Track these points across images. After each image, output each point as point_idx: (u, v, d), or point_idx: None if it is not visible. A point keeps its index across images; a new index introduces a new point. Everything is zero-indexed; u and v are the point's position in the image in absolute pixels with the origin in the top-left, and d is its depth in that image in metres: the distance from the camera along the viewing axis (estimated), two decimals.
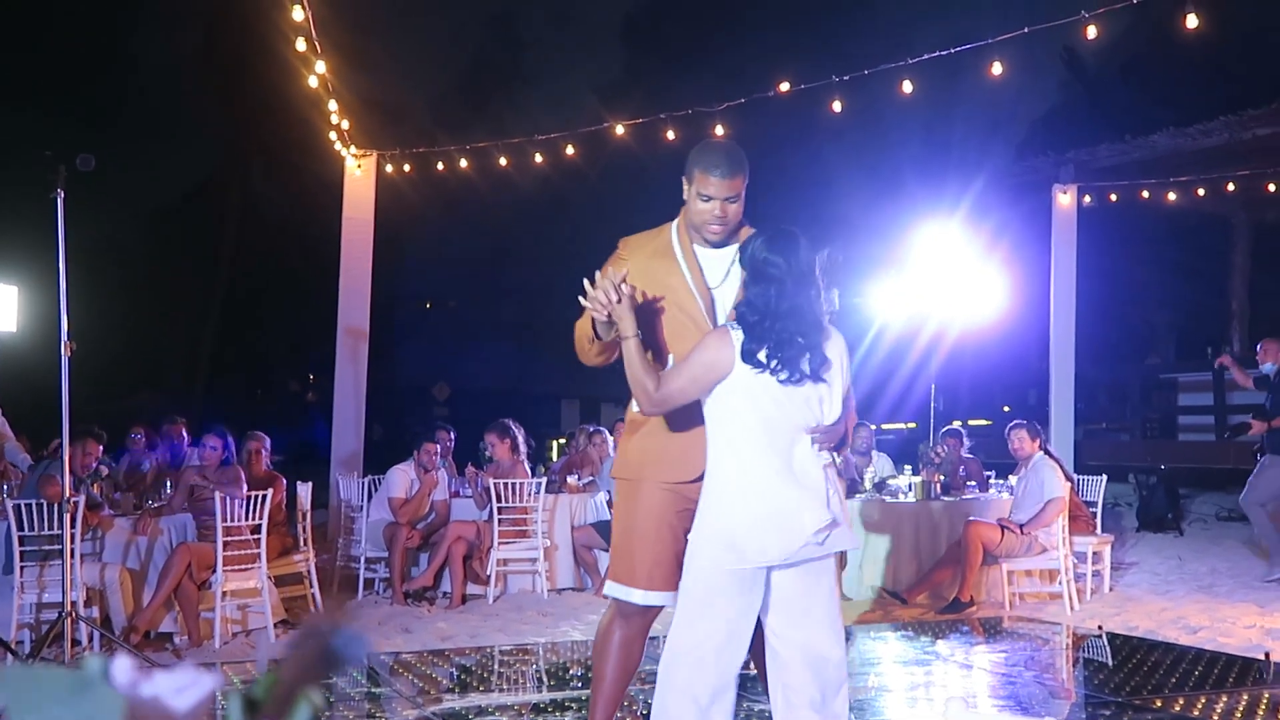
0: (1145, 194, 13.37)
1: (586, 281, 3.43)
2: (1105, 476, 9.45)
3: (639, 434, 3.68)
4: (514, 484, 8.51)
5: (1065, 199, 12.73)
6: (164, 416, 10.54)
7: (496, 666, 6.52)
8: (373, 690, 5.74)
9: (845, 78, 9.55)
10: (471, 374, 25.23)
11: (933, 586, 8.35)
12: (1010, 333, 14.40)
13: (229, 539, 6.97)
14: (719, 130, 10.04)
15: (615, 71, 27.92)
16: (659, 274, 3.64)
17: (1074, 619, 7.73)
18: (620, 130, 10.43)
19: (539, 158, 11.06)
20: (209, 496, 7.21)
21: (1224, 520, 12.98)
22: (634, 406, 3.69)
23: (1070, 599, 8.01)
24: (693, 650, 3.34)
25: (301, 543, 8.12)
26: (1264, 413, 9.30)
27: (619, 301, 3.38)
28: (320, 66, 9.65)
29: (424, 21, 25.31)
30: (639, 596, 3.57)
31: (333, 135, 10.76)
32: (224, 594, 6.99)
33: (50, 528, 6.47)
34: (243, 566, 7.08)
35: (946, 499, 8.94)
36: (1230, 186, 13.21)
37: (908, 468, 9.99)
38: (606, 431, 10.30)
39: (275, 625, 7.24)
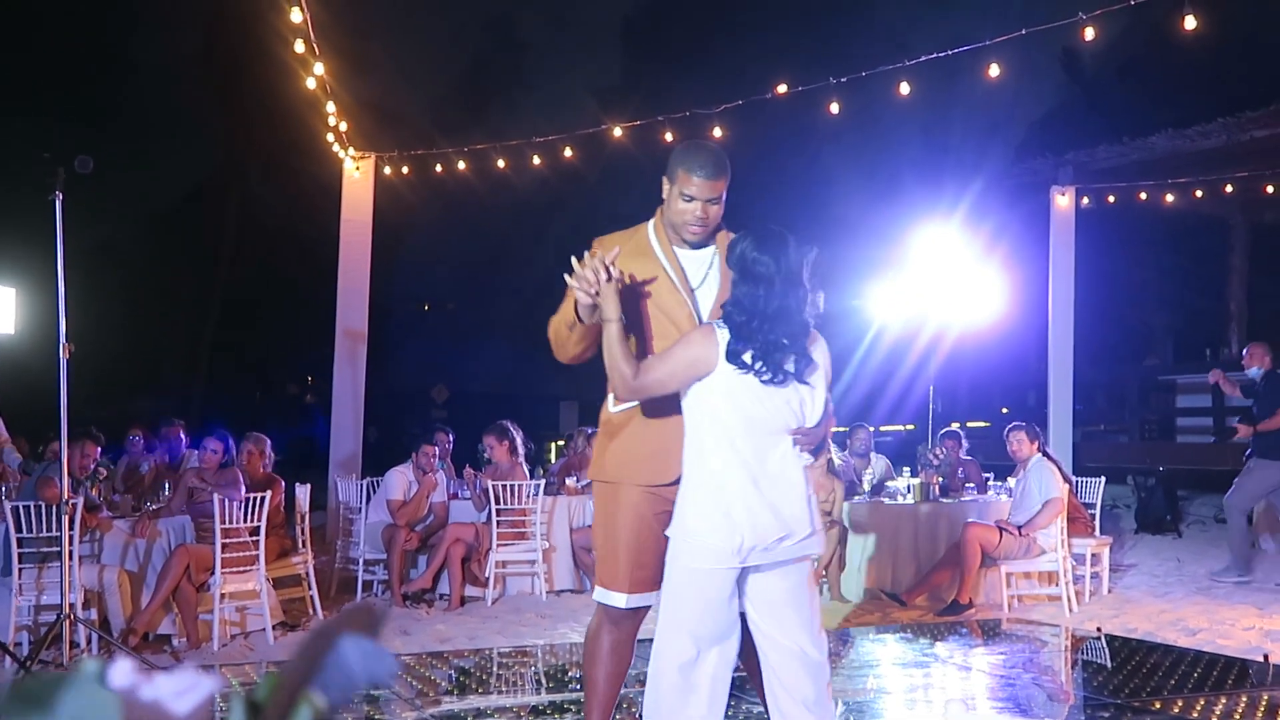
0: (1143, 195, 13.38)
1: (575, 259, 3.41)
2: (1104, 478, 9.46)
3: (618, 437, 3.66)
4: (512, 486, 8.50)
5: (1063, 200, 12.74)
6: (162, 418, 10.54)
7: (495, 668, 6.52)
8: (371, 692, 5.74)
9: (843, 80, 9.55)
10: (470, 376, 25.22)
11: (931, 588, 8.35)
12: (1009, 334, 14.41)
13: (227, 541, 6.97)
14: (717, 132, 10.04)
15: (613, 74, 27.94)
16: (639, 274, 3.62)
17: (1072, 621, 7.73)
18: (618, 132, 10.43)
19: (537, 160, 11.07)
20: (207, 498, 7.21)
21: (1223, 522, 12.95)
22: (609, 407, 3.69)
23: (1069, 601, 8.02)
24: (679, 650, 3.35)
25: (300, 545, 8.11)
26: (1251, 417, 9.33)
27: (608, 280, 3.37)
28: (319, 68, 9.66)
29: (423, 24, 25.31)
30: (624, 600, 3.58)
31: (331, 137, 10.77)
32: (222, 596, 6.99)
33: (48, 530, 6.46)
34: (241, 568, 7.08)
35: (945, 501, 8.95)
36: (1228, 188, 13.22)
37: (906, 469, 10.00)
38: None
39: (274, 627, 7.23)
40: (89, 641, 6.48)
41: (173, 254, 23.53)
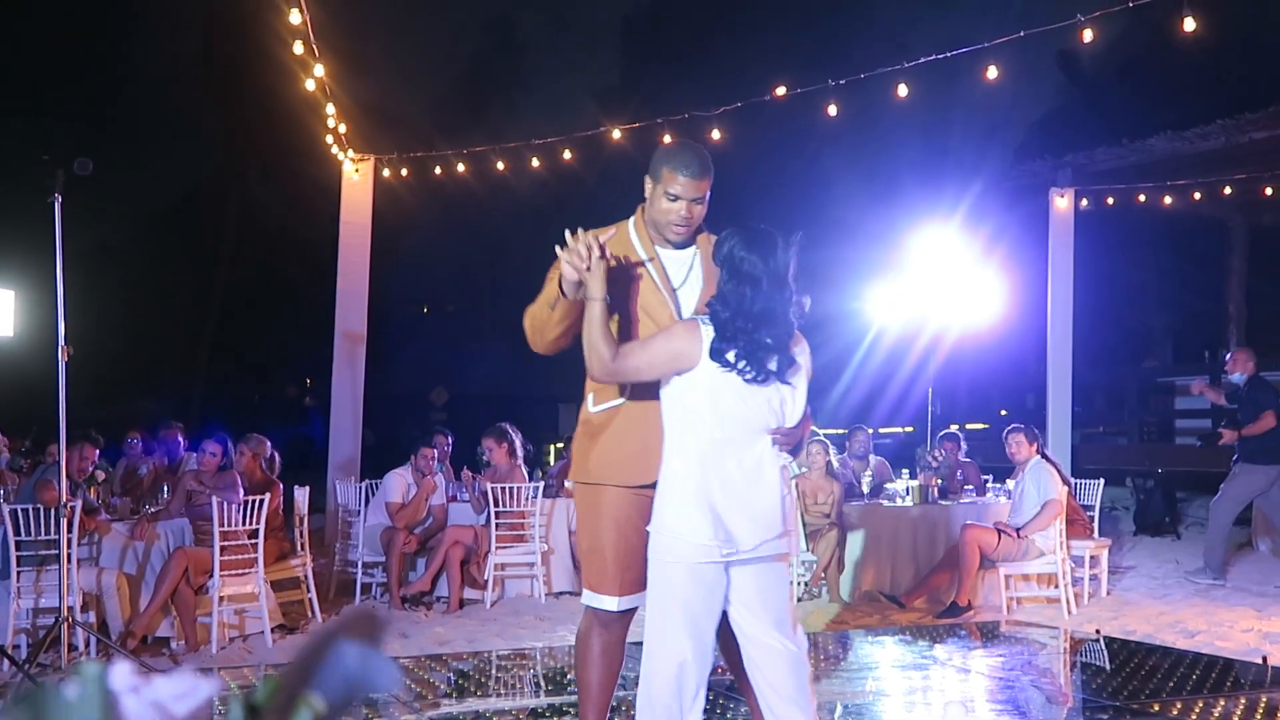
0: (1142, 197, 13.39)
1: (568, 232, 3.39)
2: (1102, 480, 9.46)
3: (599, 437, 3.63)
4: (511, 488, 8.50)
5: (1062, 202, 12.75)
6: (161, 421, 10.54)
7: (494, 671, 6.51)
8: (370, 695, 5.73)
9: (841, 81, 9.56)
10: (469, 378, 25.21)
11: (930, 590, 8.34)
12: (1008, 336, 14.40)
13: (226, 544, 6.96)
14: (715, 134, 10.05)
15: (612, 75, 27.96)
16: (621, 273, 3.60)
17: (1071, 623, 7.73)
18: (617, 134, 10.43)
19: (536, 162, 11.07)
20: (206, 501, 7.20)
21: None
22: (589, 406, 3.67)
23: (1068, 603, 8.01)
24: (670, 649, 3.35)
25: (299, 547, 8.11)
26: (1236, 422, 9.36)
27: (600, 258, 3.37)
28: (318, 70, 9.66)
29: (422, 25, 25.32)
30: (614, 603, 3.58)
31: (330, 139, 10.77)
32: (221, 599, 6.99)
33: (47, 532, 6.46)
34: (240, 571, 7.07)
35: (944, 503, 8.94)
36: (1227, 190, 13.22)
37: (905, 471, 10.00)
38: None
39: (272, 630, 7.23)
40: (87, 644, 6.47)
41: (172, 256, 23.54)
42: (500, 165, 11.30)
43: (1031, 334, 13.92)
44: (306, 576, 7.94)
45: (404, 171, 11.35)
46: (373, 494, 9.12)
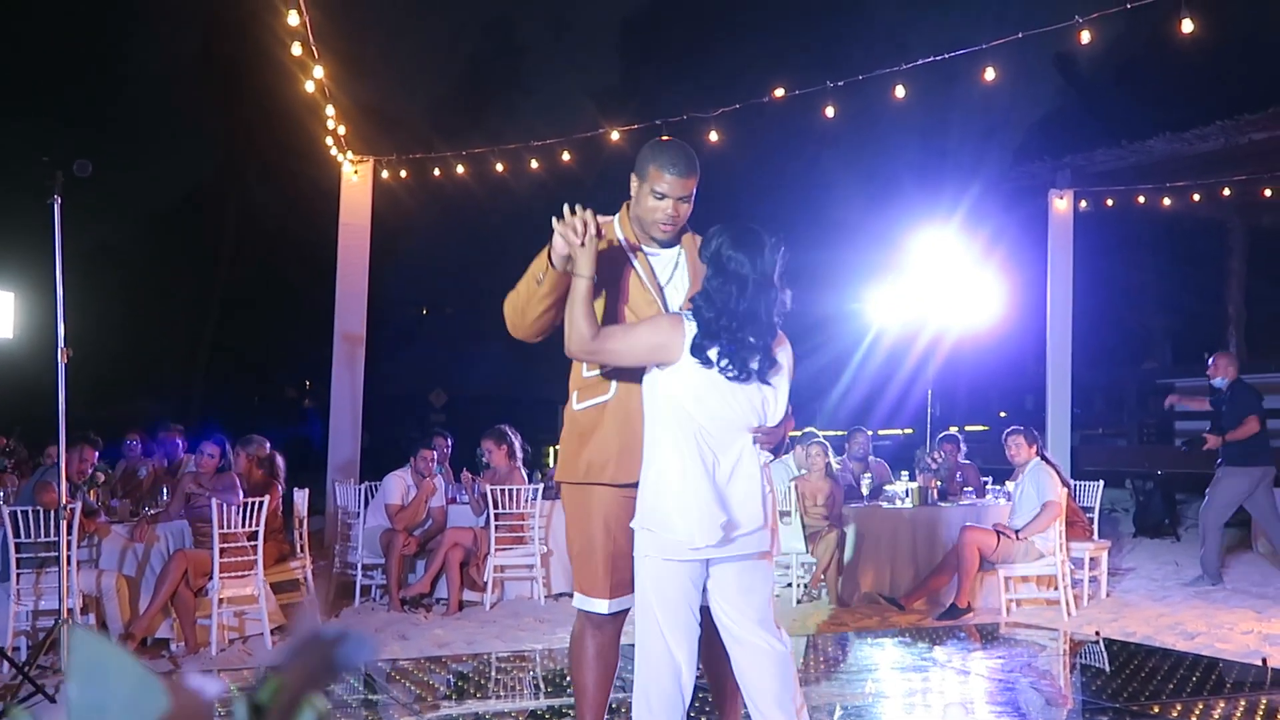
0: (1141, 199, 13.39)
1: (567, 206, 3.37)
2: (1102, 482, 9.46)
3: (584, 436, 3.62)
4: (511, 490, 8.50)
5: (1062, 204, 12.75)
6: (160, 423, 10.53)
7: (493, 673, 6.51)
8: (369, 697, 5.73)
9: (840, 83, 9.56)
10: (468, 380, 25.22)
11: (930, 592, 8.35)
12: (1007, 338, 14.41)
13: (226, 545, 6.96)
14: (714, 136, 10.06)
15: (611, 77, 27.95)
16: (608, 270, 3.59)
17: (1071, 625, 7.73)
18: (616, 136, 10.43)
19: (535, 163, 11.07)
20: (205, 503, 7.20)
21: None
22: (574, 404, 3.66)
23: (1067, 605, 8.01)
24: (662, 647, 3.35)
25: (298, 549, 8.11)
26: (1219, 427, 9.37)
27: (597, 235, 3.37)
28: (318, 72, 9.66)
29: (421, 27, 25.32)
30: (606, 606, 3.58)
31: (329, 141, 10.77)
32: (221, 601, 6.99)
33: (46, 534, 6.46)
34: (239, 573, 7.07)
35: (943, 505, 8.94)
36: (1226, 191, 13.22)
37: (905, 473, 10.00)
38: None
39: (272, 632, 7.23)
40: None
41: (171, 257, 23.54)
42: (499, 167, 11.31)
43: (1031, 335, 13.93)
44: (306, 578, 7.95)
45: (403, 173, 11.36)
46: (372, 496, 9.12)
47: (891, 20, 24.94)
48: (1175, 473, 13.67)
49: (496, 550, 8.48)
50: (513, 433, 9.00)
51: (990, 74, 8.91)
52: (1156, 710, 5.35)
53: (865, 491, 9.47)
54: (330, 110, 10.25)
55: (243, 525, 7.05)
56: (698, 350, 3.30)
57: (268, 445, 8.30)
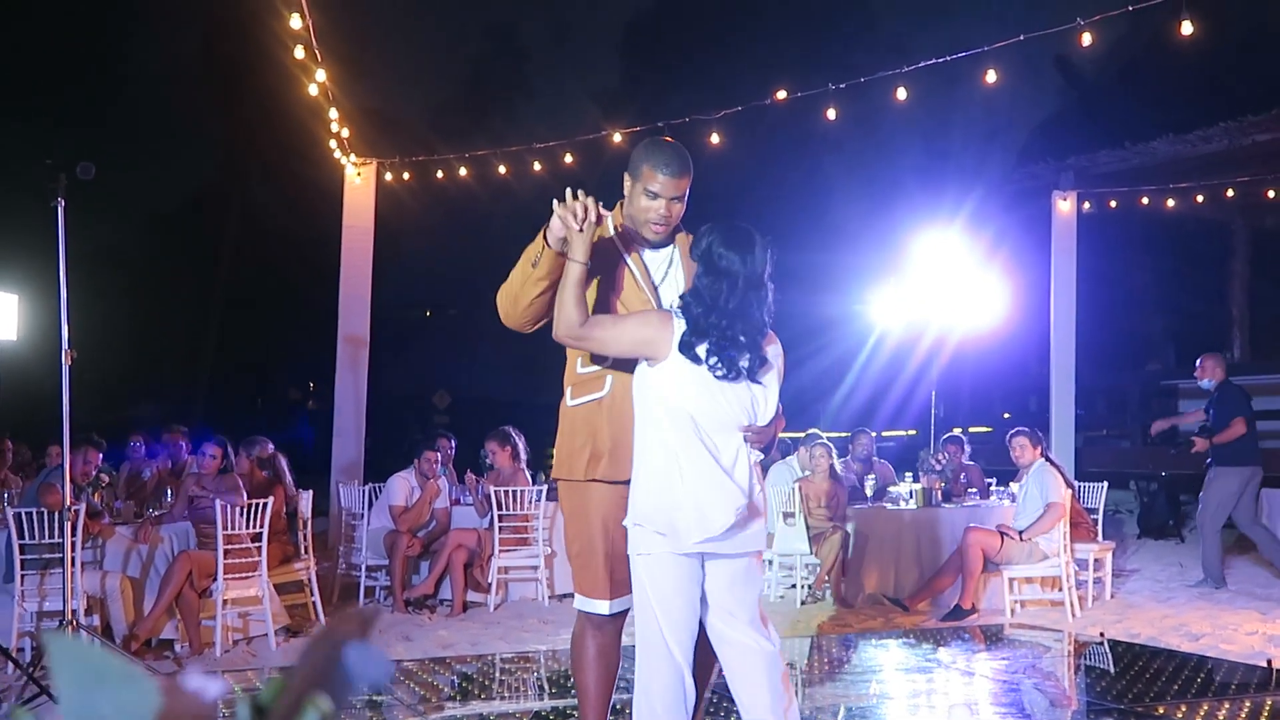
0: (1145, 200, 13.38)
1: (569, 189, 3.37)
2: (1106, 483, 9.45)
3: (580, 433, 3.60)
4: (515, 491, 8.50)
5: (1065, 205, 12.75)
6: (164, 425, 10.54)
7: (498, 674, 6.51)
8: (374, 698, 5.73)
9: (842, 86, 9.56)
10: (472, 381, 25.23)
11: (934, 594, 8.34)
12: (1010, 340, 14.41)
13: (230, 547, 6.97)
14: (716, 138, 10.06)
15: (613, 80, 27.97)
16: (602, 268, 3.58)
17: (1075, 626, 7.72)
18: (618, 138, 10.44)
19: (538, 165, 11.08)
20: (208, 505, 7.21)
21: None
22: (568, 400, 3.65)
23: (1072, 606, 8.01)
24: (663, 645, 3.34)
25: (302, 550, 8.11)
26: (1207, 429, 9.40)
27: (596, 222, 3.36)
28: (320, 75, 9.67)
29: (424, 30, 25.34)
30: (607, 607, 3.56)
31: (332, 143, 10.78)
32: (225, 602, 6.99)
33: (51, 536, 6.46)
34: (243, 574, 7.07)
35: (947, 506, 8.93)
36: (1230, 193, 13.21)
37: (909, 475, 9.99)
38: None
39: (276, 633, 7.23)
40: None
41: (174, 259, 23.56)
42: (502, 169, 11.32)
43: (1034, 337, 13.92)
44: (310, 580, 7.95)
45: (406, 175, 11.37)
46: (376, 497, 9.13)
47: (893, 24, 24.96)
48: (1179, 474, 13.66)
49: (500, 551, 8.48)
50: (516, 434, 9.00)
51: (992, 76, 8.91)
52: (1161, 711, 5.35)
53: (869, 493, 9.46)
54: (333, 113, 10.26)
55: (247, 526, 7.05)
56: (686, 348, 3.30)
57: (270, 446, 8.30)
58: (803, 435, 9.74)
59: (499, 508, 8.40)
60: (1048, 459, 8.44)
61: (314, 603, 7.90)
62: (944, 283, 11.79)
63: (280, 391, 28.73)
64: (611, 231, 3.65)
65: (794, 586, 8.85)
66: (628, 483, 3.48)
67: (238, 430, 8.86)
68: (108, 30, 22.00)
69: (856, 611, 8.40)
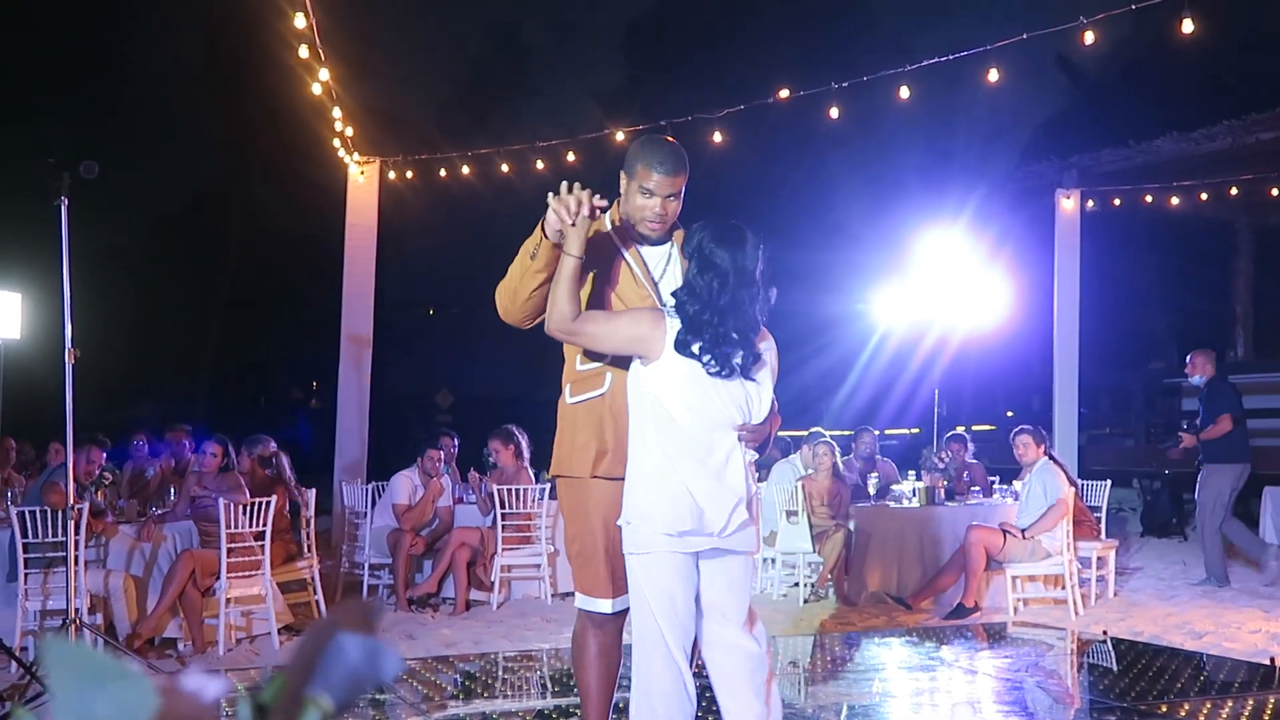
0: (1148, 199, 13.37)
1: (564, 183, 3.37)
2: (1109, 481, 9.46)
3: (579, 429, 3.59)
4: (518, 490, 8.50)
5: (1068, 204, 12.74)
6: (167, 423, 10.55)
7: (501, 673, 6.52)
8: (377, 697, 5.74)
9: (845, 84, 9.56)
10: (475, 380, 25.23)
11: (937, 592, 8.34)
12: (1013, 338, 14.40)
13: (233, 545, 6.97)
14: (718, 137, 10.06)
15: (616, 78, 27.96)
16: (600, 265, 3.57)
17: (1078, 624, 7.72)
18: (621, 137, 10.45)
19: (540, 164, 11.09)
20: (210, 503, 7.21)
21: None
22: (566, 398, 3.64)
23: (1075, 604, 8.00)
24: (660, 644, 3.32)
25: (305, 549, 8.12)
26: (1196, 426, 9.43)
27: (590, 216, 3.36)
28: (324, 74, 9.68)
29: (427, 29, 25.35)
30: (609, 606, 3.55)
31: (336, 142, 10.79)
32: (228, 600, 6.99)
33: (54, 535, 6.47)
34: (246, 573, 7.08)
35: (950, 504, 8.93)
36: (1233, 191, 13.21)
37: (911, 473, 9.99)
38: None
39: (279, 631, 7.24)
40: (95, 646, 6.47)
41: (178, 259, 23.57)
42: (505, 168, 11.33)
43: (1037, 336, 13.92)
44: (313, 578, 7.95)
45: (409, 174, 11.38)
46: (379, 496, 9.13)
47: (896, 23, 24.94)
48: (1182, 472, 13.65)
49: (503, 550, 8.49)
50: (519, 432, 9.00)
51: (995, 75, 8.91)
52: (1164, 709, 5.34)
53: (872, 491, 9.46)
54: (337, 112, 10.27)
55: (250, 525, 7.06)
56: (682, 346, 3.29)
57: (272, 445, 8.31)
58: (806, 434, 9.74)
59: (502, 506, 8.41)
60: (1051, 457, 8.44)
61: (317, 601, 7.91)
62: (947, 281, 11.79)
63: (282, 391, 28.75)
64: (609, 227, 3.65)
65: (797, 585, 8.84)
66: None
67: (240, 429, 8.87)
68: (111, 30, 22.02)
69: (859, 610, 8.40)
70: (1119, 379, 18.05)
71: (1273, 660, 6.19)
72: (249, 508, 7.07)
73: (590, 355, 3.57)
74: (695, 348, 3.29)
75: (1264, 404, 13.39)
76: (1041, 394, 15.26)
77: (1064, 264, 12.53)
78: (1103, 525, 9.09)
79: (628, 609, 3.60)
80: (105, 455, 7.49)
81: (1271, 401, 13.32)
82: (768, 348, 3.46)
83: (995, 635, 7.44)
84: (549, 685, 6.24)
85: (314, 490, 8.51)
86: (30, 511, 6.55)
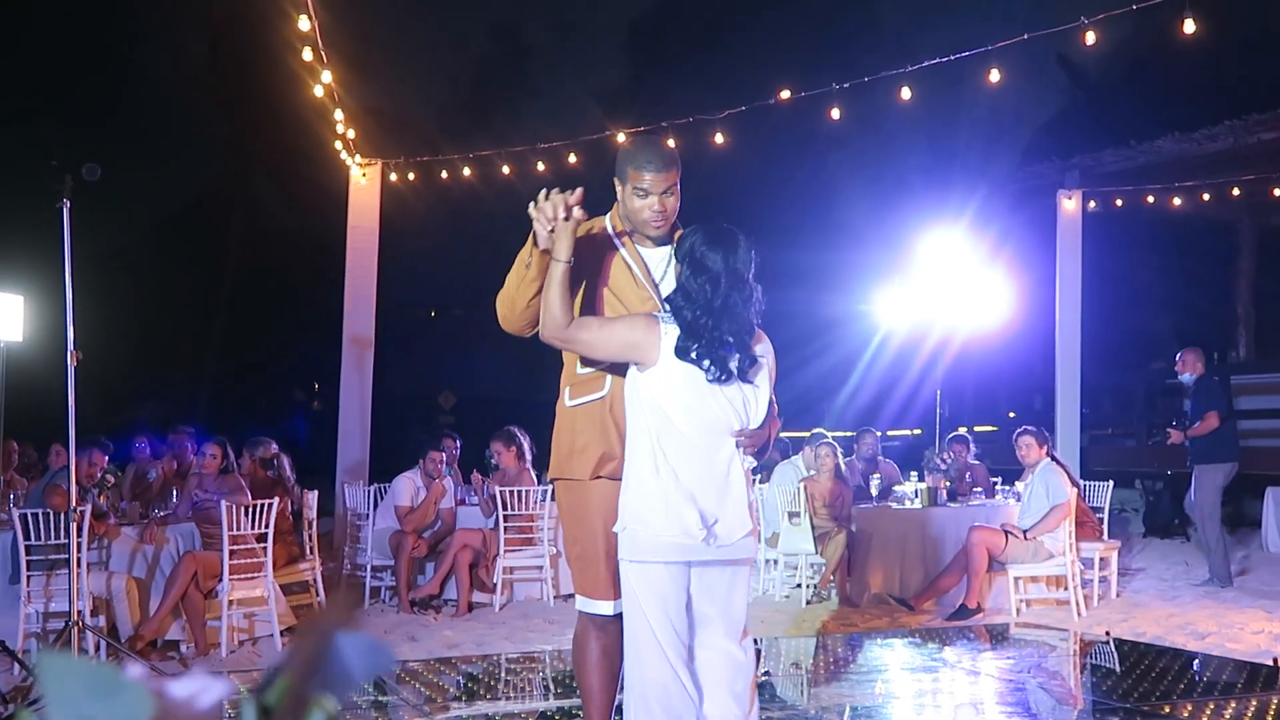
0: (1150, 199, 13.37)
1: (543, 192, 3.38)
2: (1111, 482, 9.46)
3: (578, 431, 3.59)
4: (520, 491, 8.50)
5: (1070, 204, 12.74)
6: (170, 425, 10.55)
7: (503, 674, 6.51)
8: (379, 699, 5.74)
9: (846, 85, 9.56)
10: (477, 382, 25.22)
11: (939, 593, 8.33)
12: (1015, 339, 14.39)
13: (235, 547, 6.97)
14: (719, 138, 10.06)
15: (617, 80, 27.96)
16: (602, 268, 3.57)
17: (1081, 625, 7.71)
18: (622, 138, 10.45)
19: (541, 165, 11.09)
20: (211, 505, 7.21)
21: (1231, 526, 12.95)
22: (565, 401, 3.63)
23: (1077, 605, 8.00)
24: (657, 654, 3.31)
25: (307, 551, 8.12)
26: (1184, 423, 9.45)
27: (565, 219, 3.36)
28: (326, 76, 9.68)
29: (428, 30, 25.36)
30: (610, 608, 3.53)
31: (338, 144, 10.80)
32: (230, 602, 7.00)
33: (56, 537, 6.47)
34: (249, 575, 7.08)
35: (953, 505, 8.93)
36: (1235, 191, 13.21)
37: (914, 474, 9.99)
38: None
39: (282, 633, 7.24)
40: (97, 649, 6.48)
41: (180, 261, 23.57)
42: (506, 169, 11.33)
43: (1039, 336, 13.91)
44: (315, 580, 7.96)
45: (411, 176, 11.39)
46: (381, 498, 9.13)
47: (898, 23, 24.93)
48: (1184, 473, 13.65)
49: (506, 552, 8.49)
50: (522, 434, 9.01)
51: (997, 75, 8.91)
52: (1167, 710, 5.34)
53: (874, 492, 9.46)
54: (339, 114, 10.28)
55: (251, 527, 7.06)
56: (682, 353, 3.27)
57: (274, 446, 8.31)
58: (808, 435, 9.73)
59: (504, 508, 8.41)
60: (1053, 458, 8.44)
61: (319, 603, 7.91)
62: (949, 282, 11.79)
63: (284, 392, 28.75)
64: (610, 230, 3.65)
65: (799, 586, 8.84)
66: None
67: (242, 431, 8.87)
68: (113, 31, 22.03)
69: (861, 611, 8.40)
70: (1121, 379, 18.04)
71: (1276, 661, 6.19)
72: (251, 509, 7.08)
73: (588, 360, 3.57)
74: (694, 353, 3.28)
75: (1266, 404, 13.39)
76: (1044, 394, 15.25)
77: (1066, 264, 12.53)
78: (1105, 526, 9.09)
79: None
80: (107, 457, 7.49)
81: (1273, 402, 13.31)
82: (764, 350, 3.45)
83: (998, 636, 7.43)
84: (551, 687, 6.24)
85: (316, 492, 8.52)
86: (32, 514, 6.56)
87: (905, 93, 9.44)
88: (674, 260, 3.62)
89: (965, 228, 12.97)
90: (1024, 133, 22.19)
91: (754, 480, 3.52)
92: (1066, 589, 8.07)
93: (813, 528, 8.74)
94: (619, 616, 3.57)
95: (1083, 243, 12.60)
